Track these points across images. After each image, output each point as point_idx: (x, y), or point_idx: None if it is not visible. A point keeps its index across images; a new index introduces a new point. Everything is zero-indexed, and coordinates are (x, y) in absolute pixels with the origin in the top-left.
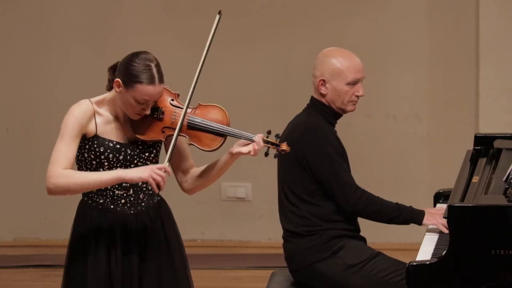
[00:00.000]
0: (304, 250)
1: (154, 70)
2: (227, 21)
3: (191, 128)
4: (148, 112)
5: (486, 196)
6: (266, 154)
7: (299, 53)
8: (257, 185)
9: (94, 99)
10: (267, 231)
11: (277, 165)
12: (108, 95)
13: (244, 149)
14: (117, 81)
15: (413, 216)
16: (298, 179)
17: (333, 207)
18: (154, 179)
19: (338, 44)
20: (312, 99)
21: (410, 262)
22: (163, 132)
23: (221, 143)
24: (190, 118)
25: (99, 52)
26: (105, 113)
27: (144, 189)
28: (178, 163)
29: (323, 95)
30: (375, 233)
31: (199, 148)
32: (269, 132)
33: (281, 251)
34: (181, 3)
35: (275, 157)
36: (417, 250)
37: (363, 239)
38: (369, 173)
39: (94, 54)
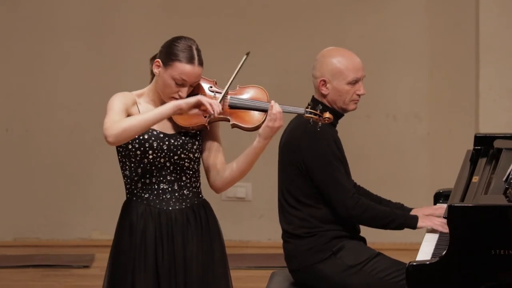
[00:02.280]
0: (303, 251)
1: (195, 52)
2: (227, 21)
3: (233, 107)
4: (184, 95)
5: (486, 196)
6: (310, 123)
7: (299, 53)
8: (257, 185)
9: (134, 92)
10: (267, 231)
11: (278, 168)
12: (147, 88)
13: (267, 123)
14: (157, 61)
15: (407, 221)
16: (296, 183)
17: (332, 208)
18: (208, 102)
19: (338, 44)
20: (313, 99)
21: (410, 262)
22: (205, 116)
23: (263, 119)
24: (230, 98)
25: (99, 52)
26: (146, 105)
27: (188, 185)
28: (209, 160)
29: (324, 96)
30: (375, 233)
31: (242, 128)
32: (309, 104)
33: (281, 251)
34: (181, 3)
35: (318, 128)
36: (417, 250)
37: (363, 239)
38: (369, 173)
39: (94, 54)
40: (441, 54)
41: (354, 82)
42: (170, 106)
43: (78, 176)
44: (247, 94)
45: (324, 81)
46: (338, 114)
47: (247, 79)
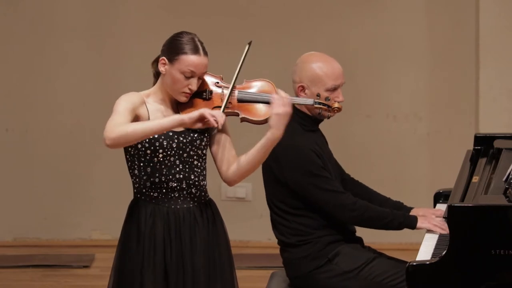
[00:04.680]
0: (300, 258)
1: (198, 43)
2: (227, 21)
3: (241, 101)
4: (194, 88)
5: (486, 196)
6: (320, 114)
7: (299, 53)
8: (257, 185)
9: (141, 92)
10: (267, 231)
11: (262, 173)
12: (153, 89)
13: (273, 111)
14: (162, 59)
15: (407, 220)
16: (281, 196)
17: (321, 214)
18: (211, 115)
19: (338, 44)
20: (292, 106)
21: (410, 262)
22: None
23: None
24: (238, 93)
25: (99, 52)
26: (154, 104)
27: (196, 183)
28: (219, 153)
29: None
30: (375, 234)
31: (252, 122)
32: (318, 95)
33: None
34: (181, 3)
35: (328, 117)
36: (417, 250)
37: (359, 240)
38: (369, 173)
39: (94, 54)
40: (441, 54)
41: (333, 89)
42: (173, 119)
43: (78, 176)
44: (254, 88)
45: (303, 86)
46: (316, 120)
47: (246, 79)
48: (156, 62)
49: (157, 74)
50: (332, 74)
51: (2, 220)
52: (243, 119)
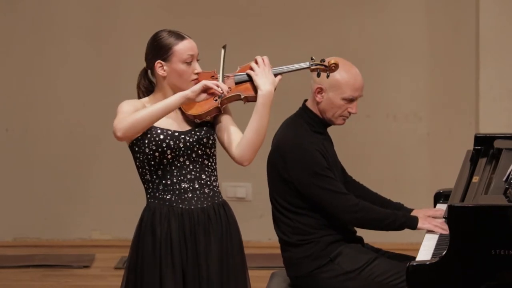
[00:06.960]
0: (301, 258)
1: (176, 31)
2: (227, 21)
3: (239, 82)
4: (199, 69)
5: (486, 196)
6: (318, 74)
7: (299, 53)
8: (257, 185)
9: (141, 99)
10: (267, 231)
11: (266, 171)
12: (151, 96)
13: (253, 75)
14: (159, 63)
15: (408, 221)
16: (285, 194)
17: (323, 214)
18: (213, 83)
19: (338, 44)
20: (304, 106)
21: (410, 262)
22: (216, 100)
23: None
24: (235, 76)
25: (99, 52)
26: None
27: (208, 183)
28: (227, 138)
29: (317, 103)
30: (375, 234)
31: (255, 99)
32: (312, 59)
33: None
34: (181, 3)
35: (327, 77)
36: (417, 250)
37: (360, 239)
38: (369, 173)
39: (94, 54)
40: (441, 54)
41: (349, 100)
42: (176, 97)
43: (78, 176)
44: (248, 69)
45: (321, 88)
46: (326, 123)
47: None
48: (144, 73)
49: (147, 86)
50: (352, 85)
51: (2, 220)
52: (246, 99)
